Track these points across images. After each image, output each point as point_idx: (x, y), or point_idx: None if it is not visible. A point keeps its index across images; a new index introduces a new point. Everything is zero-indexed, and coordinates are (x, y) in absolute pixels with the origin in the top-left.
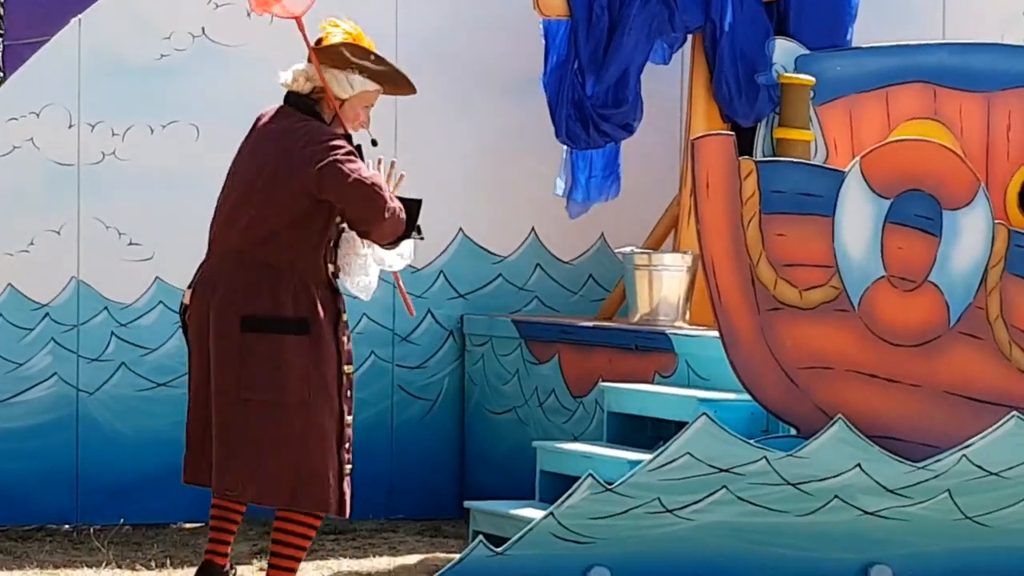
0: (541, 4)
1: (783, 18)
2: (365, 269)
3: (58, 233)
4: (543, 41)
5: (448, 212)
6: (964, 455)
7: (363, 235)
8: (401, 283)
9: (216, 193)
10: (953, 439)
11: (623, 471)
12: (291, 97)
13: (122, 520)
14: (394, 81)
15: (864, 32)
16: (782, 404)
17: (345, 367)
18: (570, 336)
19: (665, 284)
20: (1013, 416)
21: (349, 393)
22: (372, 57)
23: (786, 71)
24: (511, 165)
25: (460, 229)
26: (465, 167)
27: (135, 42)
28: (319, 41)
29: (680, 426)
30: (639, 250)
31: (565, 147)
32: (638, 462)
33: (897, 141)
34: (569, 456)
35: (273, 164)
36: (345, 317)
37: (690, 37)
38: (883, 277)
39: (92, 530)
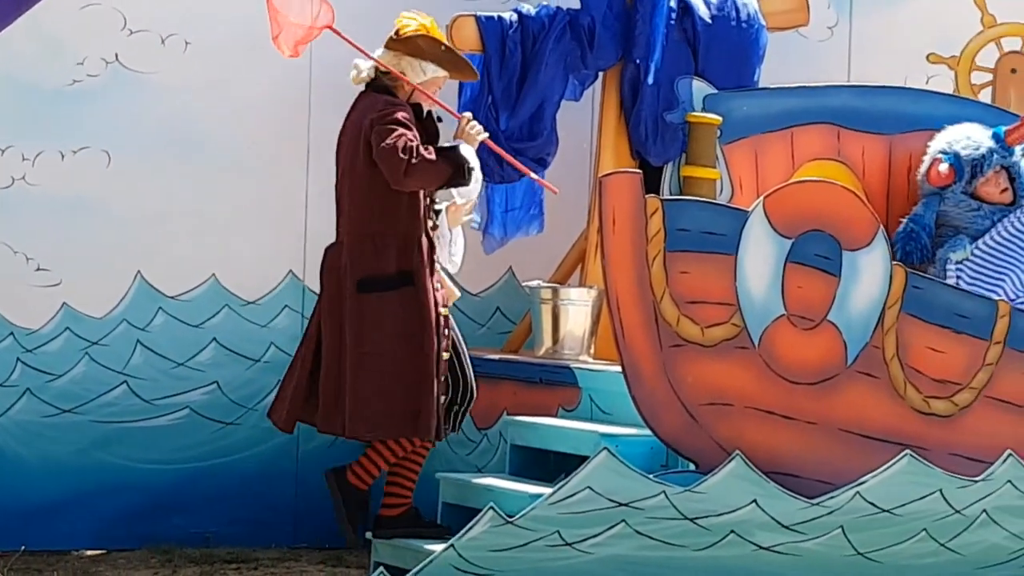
0: (455, 38)
1: (693, 57)
2: (451, 240)
3: None
4: None
5: None
6: (858, 492)
7: (398, 188)
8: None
9: (126, 219)
10: (847, 476)
11: (525, 504)
12: (371, 82)
13: (23, 547)
14: (459, 67)
15: (770, 73)
16: (682, 440)
17: (441, 308)
18: (476, 368)
19: (571, 318)
20: (906, 455)
21: (446, 331)
22: (443, 47)
23: (694, 110)
24: None
25: None
26: None
27: (47, 67)
28: (397, 32)
29: (582, 460)
30: (545, 284)
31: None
32: (540, 495)
33: (799, 182)
34: (472, 488)
35: (354, 143)
36: (438, 267)
37: (601, 74)
38: (783, 316)
39: None
